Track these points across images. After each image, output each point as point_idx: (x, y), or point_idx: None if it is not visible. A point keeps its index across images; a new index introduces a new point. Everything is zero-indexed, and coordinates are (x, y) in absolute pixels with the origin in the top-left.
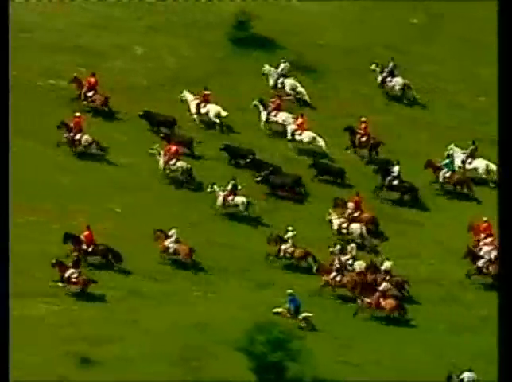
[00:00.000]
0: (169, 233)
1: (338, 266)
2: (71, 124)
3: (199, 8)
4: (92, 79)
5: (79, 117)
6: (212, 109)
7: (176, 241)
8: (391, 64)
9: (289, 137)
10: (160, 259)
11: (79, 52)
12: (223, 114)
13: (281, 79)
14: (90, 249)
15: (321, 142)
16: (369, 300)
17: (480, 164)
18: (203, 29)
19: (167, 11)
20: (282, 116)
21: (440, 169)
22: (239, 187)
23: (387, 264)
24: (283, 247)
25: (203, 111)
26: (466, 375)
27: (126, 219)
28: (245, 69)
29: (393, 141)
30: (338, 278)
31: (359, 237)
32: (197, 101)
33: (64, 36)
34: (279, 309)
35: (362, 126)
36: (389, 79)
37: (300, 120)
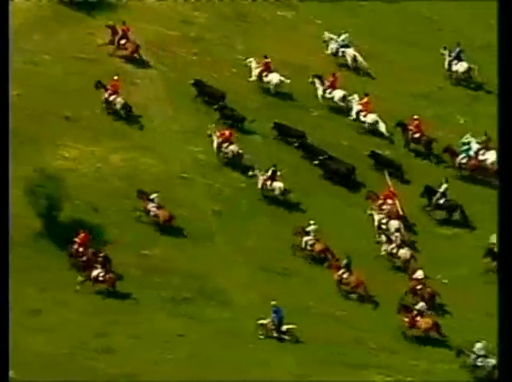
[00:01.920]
0: (151, 197)
1: (346, 262)
2: (108, 86)
3: None
4: (125, 28)
5: (116, 80)
6: (274, 77)
7: (158, 206)
8: (457, 49)
9: (354, 116)
10: None
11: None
12: (285, 81)
13: (342, 49)
14: (80, 249)
15: (383, 127)
16: (406, 319)
17: (492, 156)
18: None
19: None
20: (338, 93)
21: (457, 154)
22: (278, 173)
23: (419, 273)
24: (305, 239)
25: (265, 79)
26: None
27: None
28: None
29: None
30: (345, 276)
31: (397, 232)
32: (260, 69)
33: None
34: (264, 321)
35: (415, 123)
36: (454, 62)
37: (365, 100)
